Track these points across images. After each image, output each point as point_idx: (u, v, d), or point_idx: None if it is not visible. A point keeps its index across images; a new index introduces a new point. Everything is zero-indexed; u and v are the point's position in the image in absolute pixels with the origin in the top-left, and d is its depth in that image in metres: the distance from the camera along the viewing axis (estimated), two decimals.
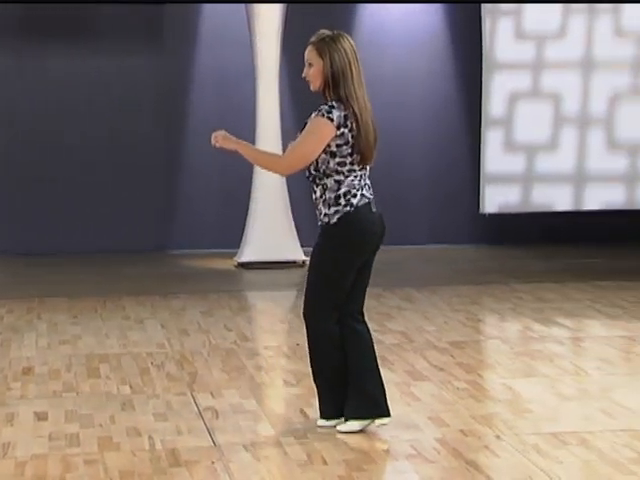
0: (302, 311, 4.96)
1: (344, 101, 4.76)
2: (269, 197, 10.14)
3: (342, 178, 4.79)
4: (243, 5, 10.28)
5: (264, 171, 10.06)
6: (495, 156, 9.99)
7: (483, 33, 9.99)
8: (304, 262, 10.19)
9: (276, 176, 10.21)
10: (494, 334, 7.31)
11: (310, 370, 4.96)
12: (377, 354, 6.13)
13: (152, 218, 11.00)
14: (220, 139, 4.86)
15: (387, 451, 4.64)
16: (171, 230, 11.08)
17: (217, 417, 5.15)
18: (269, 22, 10.03)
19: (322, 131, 4.71)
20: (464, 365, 6.17)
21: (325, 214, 4.80)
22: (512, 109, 9.96)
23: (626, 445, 4.66)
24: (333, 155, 4.77)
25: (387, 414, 4.87)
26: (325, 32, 4.84)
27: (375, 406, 4.86)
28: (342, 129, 4.75)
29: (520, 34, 9.98)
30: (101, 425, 5.03)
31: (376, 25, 11.34)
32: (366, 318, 5.02)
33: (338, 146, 4.76)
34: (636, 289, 8.63)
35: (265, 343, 7.05)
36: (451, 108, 11.50)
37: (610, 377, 5.92)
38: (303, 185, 11.29)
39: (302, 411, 5.24)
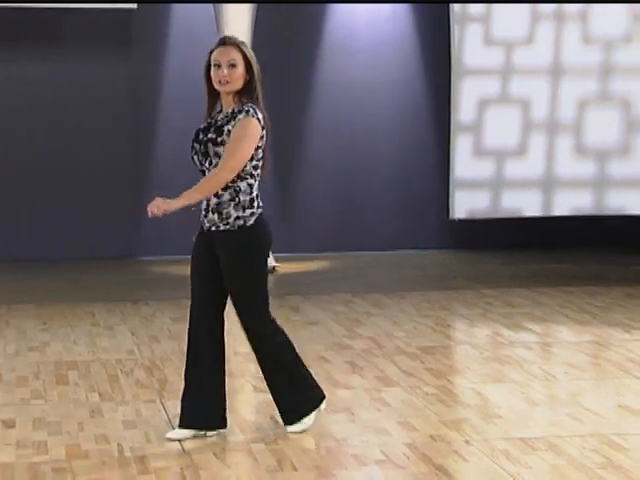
0: (242, 325, 4.92)
1: (259, 105, 4.80)
2: None
3: (253, 182, 4.82)
4: (212, 10, 10.27)
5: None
6: (464, 161, 10.02)
7: (452, 39, 10.03)
8: (274, 268, 10.18)
9: None
10: (463, 339, 7.33)
11: (270, 379, 4.94)
12: (347, 359, 6.16)
13: (121, 225, 10.95)
14: (161, 208, 4.61)
15: (356, 456, 4.64)
16: (140, 236, 11.03)
17: None
18: (238, 29, 10.01)
19: (254, 132, 4.74)
20: (433, 370, 6.19)
21: (238, 217, 4.75)
22: (481, 115, 10.01)
23: (595, 450, 4.69)
24: (251, 158, 4.77)
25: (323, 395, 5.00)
26: (232, 35, 4.95)
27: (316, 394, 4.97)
28: (262, 131, 4.79)
29: (489, 40, 10.03)
30: (69, 432, 5.00)
31: (344, 30, 11.36)
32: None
33: (256, 149, 4.79)
34: (604, 294, 8.69)
35: (235, 349, 7.03)
36: (420, 114, 11.54)
37: (579, 382, 5.96)
38: (271, 194, 11.32)
39: (272, 417, 5.23)
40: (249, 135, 4.72)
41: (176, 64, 11.03)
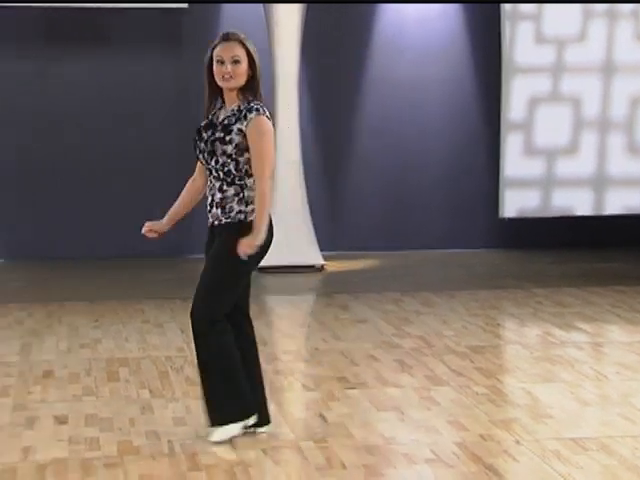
0: (193, 315, 4.72)
1: (262, 101, 4.75)
2: (288, 201, 10.15)
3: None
4: (263, 12, 10.30)
5: (282, 177, 10.15)
6: (515, 160, 9.97)
7: (503, 37, 9.98)
8: (323, 266, 10.20)
9: (295, 181, 10.23)
10: (513, 339, 7.29)
11: (204, 379, 4.74)
12: (396, 358, 6.13)
13: None
14: (253, 247, 4.64)
15: (406, 455, 4.63)
16: (190, 234, 11.10)
17: None
18: (288, 29, 10.05)
19: (269, 128, 4.70)
20: (483, 370, 6.16)
21: (240, 211, 4.70)
22: (532, 113, 9.94)
23: None
24: None
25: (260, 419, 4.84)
26: (236, 31, 4.81)
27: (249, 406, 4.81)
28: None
29: (540, 38, 9.96)
30: (120, 429, 5.04)
31: (394, 28, 11.34)
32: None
33: None
34: None
35: (284, 347, 7.05)
36: (470, 112, 11.48)
37: (630, 383, 5.89)
38: (320, 191, 11.33)
39: (321, 415, 5.24)
40: (267, 133, 4.68)
41: None
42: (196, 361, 4.82)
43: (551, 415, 5.23)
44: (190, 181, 5.06)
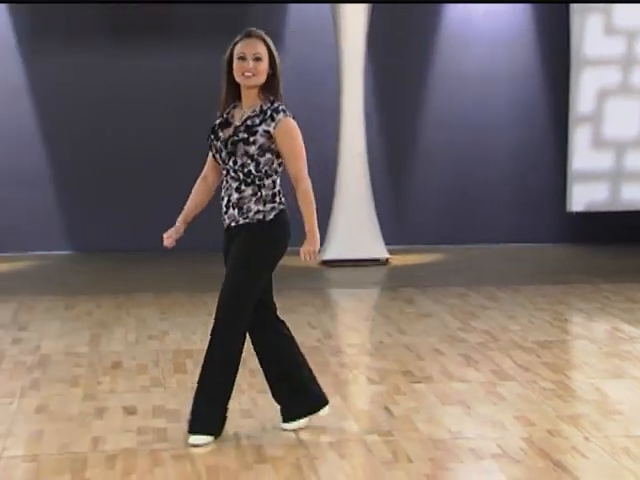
0: (217, 315, 4.67)
1: (282, 101, 4.70)
2: (353, 195, 10.15)
3: (277, 178, 4.73)
4: (327, 7, 10.30)
5: (347, 169, 10.16)
6: (583, 153, 9.86)
7: (571, 29, 9.87)
8: (387, 260, 10.18)
9: (360, 174, 10.22)
10: (581, 334, 7.20)
11: (206, 377, 4.69)
12: (461, 352, 6.08)
13: None
14: (316, 253, 4.68)
15: (473, 450, 4.60)
16: None
17: None
18: (354, 22, 10.03)
19: (297, 129, 4.67)
20: (550, 365, 6.10)
21: (258, 211, 4.67)
22: (601, 105, 9.82)
23: None
24: (278, 156, 4.69)
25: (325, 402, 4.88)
26: (257, 29, 4.75)
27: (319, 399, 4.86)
28: None
29: (610, 30, 9.83)
30: (187, 420, 5.07)
31: (461, 21, 11.26)
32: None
33: None
34: None
35: (349, 341, 7.05)
36: (537, 105, 11.37)
37: None
38: (385, 185, 11.31)
39: (386, 408, 5.23)
40: (298, 134, 4.66)
41: (288, 59, 11.09)
42: (204, 358, 4.72)
43: (620, 411, 5.16)
44: (200, 179, 4.97)
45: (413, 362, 6.19)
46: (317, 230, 4.69)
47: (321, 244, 10.24)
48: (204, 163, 4.99)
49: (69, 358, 6.38)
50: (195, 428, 4.69)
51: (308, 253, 4.66)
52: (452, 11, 11.25)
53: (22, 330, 7.22)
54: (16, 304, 8.16)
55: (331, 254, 10.10)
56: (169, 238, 5.08)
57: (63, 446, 4.69)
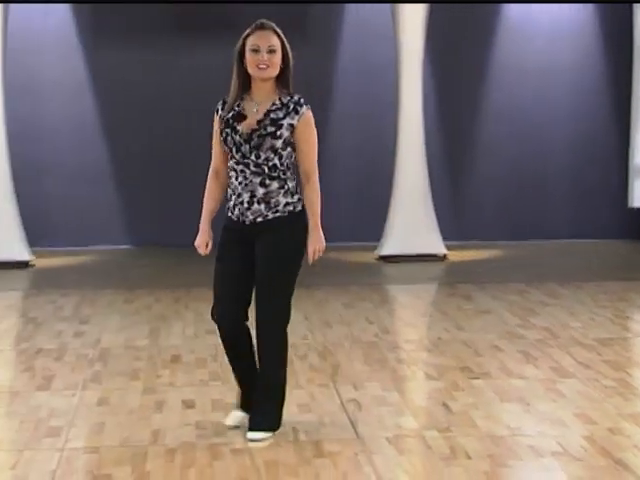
0: (265, 317, 4.66)
1: (293, 93, 4.67)
2: (410, 190, 10.11)
3: (294, 169, 4.71)
4: (386, 6, 10.26)
5: (404, 164, 10.14)
6: None
7: (634, 22, 9.73)
8: (445, 256, 10.13)
9: (417, 170, 10.18)
10: None
11: (276, 382, 4.73)
12: (520, 349, 5.98)
13: None
14: (322, 250, 4.71)
15: (532, 447, 4.56)
16: None
17: (360, 409, 5.16)
18: (413, 16, 10.00)
19: (314, 124, 4.67)
20: (611, 362, 6.02)
21: (288, 203, 4.64)
22: None
23: None
24: (294, 148, 4.67)
25: None
26: (269, 21, 4.72)
27: None
28: None
29: None
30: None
31: (522, 15, 11.17)
32: None
33: None
34: None
35: (406, 336, 7.03)
36: (598, 99, 11.23)
37: None
38: (443, 179, 11.25)
39: (445, 404, 5.21)
40: (314, 128, 4.65)
41: (346, 58, 11.09)
42: (261, 359, 4.73)
43: None
44: (212, 177, 4.91)
45: (471, 358, 6.16)
46: (319, 228, 4.68)
47: (378, 239, 10.33)
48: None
49: (129, 351, 6.44)
50: (256, 425, 4.72)
51: (318, 252, 4.68)
52: (512, 4, 11.16)
53: (83, 323, 7.31)
54: (79, 297, 8.27)
55: (389, 249, 10.07)
56: (203, 246, 4.93)
57: (124, 439, 4.74)
